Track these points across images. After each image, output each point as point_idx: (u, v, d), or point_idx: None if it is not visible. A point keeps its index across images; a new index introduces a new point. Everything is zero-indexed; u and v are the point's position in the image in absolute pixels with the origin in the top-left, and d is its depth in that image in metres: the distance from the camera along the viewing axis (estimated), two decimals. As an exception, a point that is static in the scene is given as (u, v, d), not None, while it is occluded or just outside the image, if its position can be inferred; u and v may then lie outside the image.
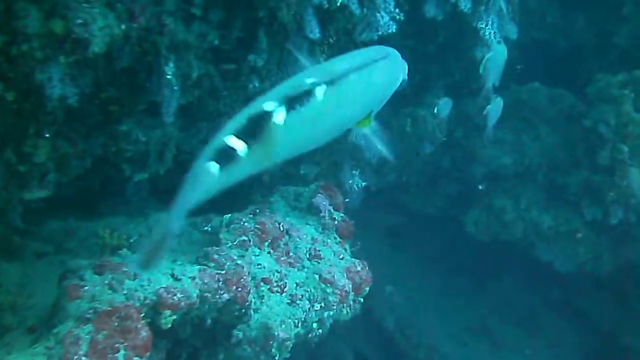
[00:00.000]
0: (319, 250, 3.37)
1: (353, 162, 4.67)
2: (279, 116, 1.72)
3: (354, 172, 4.70)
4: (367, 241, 6.24)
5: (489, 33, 3.96)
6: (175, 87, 2.64)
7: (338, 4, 2.41)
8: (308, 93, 1.74)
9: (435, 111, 4.03)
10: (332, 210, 3.71)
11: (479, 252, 5.64)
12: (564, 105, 4.92)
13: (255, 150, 1.71)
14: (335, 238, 3.61)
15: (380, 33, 2.92)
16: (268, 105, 1.71)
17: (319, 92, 1.75)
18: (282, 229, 3.33)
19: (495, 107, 3.97)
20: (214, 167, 1.70)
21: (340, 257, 3.43)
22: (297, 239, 3.38)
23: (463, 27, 4.05)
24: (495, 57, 3.68)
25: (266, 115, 1.71)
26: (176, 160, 3.49)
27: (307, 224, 3.63)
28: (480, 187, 5.15)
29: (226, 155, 1.70)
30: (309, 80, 1.75)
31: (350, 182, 4.67)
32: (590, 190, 4.66)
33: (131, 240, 3.31)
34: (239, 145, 1.69)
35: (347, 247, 3.66)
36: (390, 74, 1.96)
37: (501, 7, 4.05)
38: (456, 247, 5.89)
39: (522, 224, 4.93)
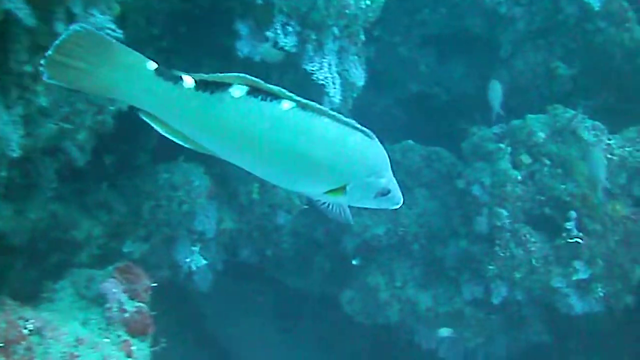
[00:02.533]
0: (78, 356, 2.59)
1: (193, 235, 3.94)
2: (237, 92, 1.60)
3: (193, 248, 3.96)
4: (253, 326, 5.58)
5: (325, 78, 3.28)
6: None
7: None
8: (274, 96, 1.61)
9: None
10: (126, 300, 2.97)
11: (370, 336, 4.96)
12: (441, 165, 4.26)
13: (198, 98, 1.60)
14: (119, 336, 2.85)
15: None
16: (230, 78, 1.61)
17: (285, 103, 1.61)
18: (26, 329, 2.54)
19: None
20: (152, 64, 1.58)
21: (112, 362, 2.66)
22: (52, 340, 2.60)
23: (298, 70, 3.38)
24: None
25: (225, 84, 1.60)
26: None
27: (89, 318, 2.89)
28: (353, 262, 4.42)
29: (170, 75, 1.59)
30: (284, 91, 1.61)
31: (188, 260, 3.93)
32: (469, 263, 3.95)
33: None
34: (189, 80, 1.59)
35: (140, 347, 2.91)
36: (369, 158, 1.76)
37: (342, 47, 3.38)
38: (349, 329, 5.19)
39: (398, 304, 4.18)
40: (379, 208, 1.92)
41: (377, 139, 1.74)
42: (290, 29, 3.16)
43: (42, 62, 1.53)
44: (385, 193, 1.84)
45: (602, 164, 3.59)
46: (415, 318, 4.21)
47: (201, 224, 3.86)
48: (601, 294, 3.85)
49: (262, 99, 1.60)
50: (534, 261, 3.78)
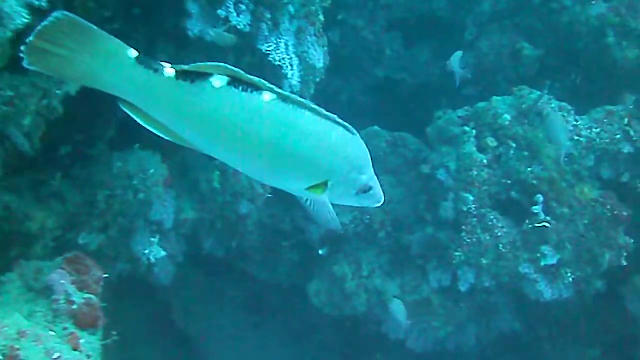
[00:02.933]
0: (19, 349, 2.45)
1: (153, 226, 3.81)
2: (217, 82, 1.58)
3: (152, 239, 3.82)
4: (224, 321, 5.49)
5: (281, 59, 3.17)
6: None
7: None
8: (255, 87, 1.58)
9: None
10: (73, 291, 2.85)
11: (340, 327, 4.86)
12: (407, 151, 4.15)
13: (178, 87, 1.58)
14: (65, 329, 2.73)
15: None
16: (211, 67, 1.60)
17: (266, 95, 1.59)
18: (-36, 322, 2.42)
19: None
20: (133, 52, 1.56)
21: (55, 356, 2.53)
22: (-8, 333, 2.48)
23: (255, 51, 3.26)
24: None
25: (206, 74, 1.59)
26: None
27: (34, 311, 2.78)
28: (320, 252, 4.32)
29: (151, 63, 1.57)
30: (264, 82, 1.60)
31: (146, 251, 3.79)
32: (436, 250, 3.85)
33: None
34: (169, 70, 1.58)
35: (89, 340, 2.79)
36: (351, 154, 1.73)
37: (300, 27, 3.27)
38: (317, 321, 5.11)
39: (364, 294, 4.08)
40: (360, 206, 1.89)
41: (358, 135, 1.72)
42: (243, 7, 3.04)
43: (22, 48, 1.51)
44: (366, 190, 1.80)
45: (562, 128, 3.48)
46: (383, 308, 4.10)
47: (158, 213, 3.73)
48: (570, 279, 3.76)
49: (242, 90, 1.58)
50: (501, 247, 3.68)
